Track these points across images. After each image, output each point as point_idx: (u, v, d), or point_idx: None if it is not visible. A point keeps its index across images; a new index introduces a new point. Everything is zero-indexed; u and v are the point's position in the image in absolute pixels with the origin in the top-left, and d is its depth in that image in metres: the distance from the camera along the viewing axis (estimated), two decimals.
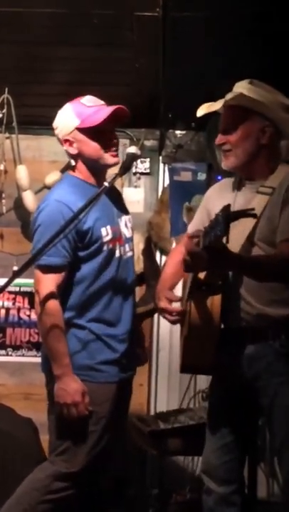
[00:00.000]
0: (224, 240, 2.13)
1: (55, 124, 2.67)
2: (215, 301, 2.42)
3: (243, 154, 2.49)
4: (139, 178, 4.03)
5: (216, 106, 2.53)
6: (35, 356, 3.81)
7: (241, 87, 2.51)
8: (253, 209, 2.28)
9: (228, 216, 2.09)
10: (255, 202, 2.43)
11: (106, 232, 2.61)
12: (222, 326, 2.47)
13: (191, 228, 2.74)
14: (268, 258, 2.41)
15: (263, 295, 2.43)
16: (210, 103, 2.55)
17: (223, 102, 2.49)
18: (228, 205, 2.12)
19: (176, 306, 2.59)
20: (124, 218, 2.75)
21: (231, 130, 2.49)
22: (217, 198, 2.61)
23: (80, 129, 2.60)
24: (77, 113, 2.61)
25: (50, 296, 2.53)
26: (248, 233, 2.41)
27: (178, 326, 2.64)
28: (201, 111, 2.57)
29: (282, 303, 2.44)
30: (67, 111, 2.64)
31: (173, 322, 2.63)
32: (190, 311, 2.43)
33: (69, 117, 2.62)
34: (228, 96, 2.49)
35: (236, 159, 2.50)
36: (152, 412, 3.78)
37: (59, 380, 2.53)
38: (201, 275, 2.42)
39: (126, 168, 2.59)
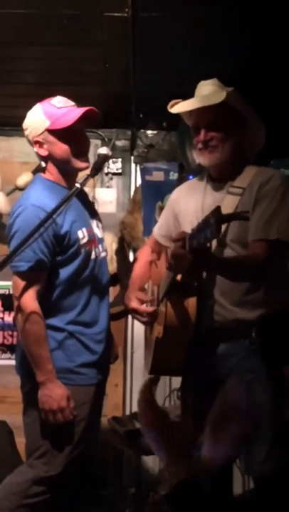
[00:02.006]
0: (214, 241, 2.10)
1: (25, 124, 2.64)
2: (191, 303, 2.42)
3: (228, 151, 2.46)
4: (111, 179, 4.03)
5: (209, 101, 2.42)
6: (10, 359, 3.80)
7: (215, 84, 2.49)
8: (247, 212, 2.24)
9: (220, 218, 2.05)
10: (225, 202, 2.41)
11: (82, 235, 2.60)
12: None
13: (157, 230, 2.75)
14: (244, 259, 2.41)
15: (235, 297, 2.44)
16: (188, 100, 2.49)
17: (224, 97, 2.39)
18: (219, 207, 2.07)
19: (147, 307, 2.58)
20: (95, 219, 2.74)
21: (218, 126, 2.44)
22: (184, 198, 2.60)
23: (51, 131, 2.58)
24: (48, 114, 2.58)
25: (31, 302, 2.50)
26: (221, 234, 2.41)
27: None
28: (176, 109, 2.50)
29: (253, 304, 2.45)
30: (37, 112, 2.61)
31: (144, 323, 2.63)
32: (166, 312, 2.42)
33: (39, 118, 2.59)
34: (220, 93, 2.43)
35: (221, 156, 2.46)
36: (128, 412, 3.79)
37: (43, 386, 2.50)
38: (178, 276, 2.40)
39: (97, 169, 2.59)
